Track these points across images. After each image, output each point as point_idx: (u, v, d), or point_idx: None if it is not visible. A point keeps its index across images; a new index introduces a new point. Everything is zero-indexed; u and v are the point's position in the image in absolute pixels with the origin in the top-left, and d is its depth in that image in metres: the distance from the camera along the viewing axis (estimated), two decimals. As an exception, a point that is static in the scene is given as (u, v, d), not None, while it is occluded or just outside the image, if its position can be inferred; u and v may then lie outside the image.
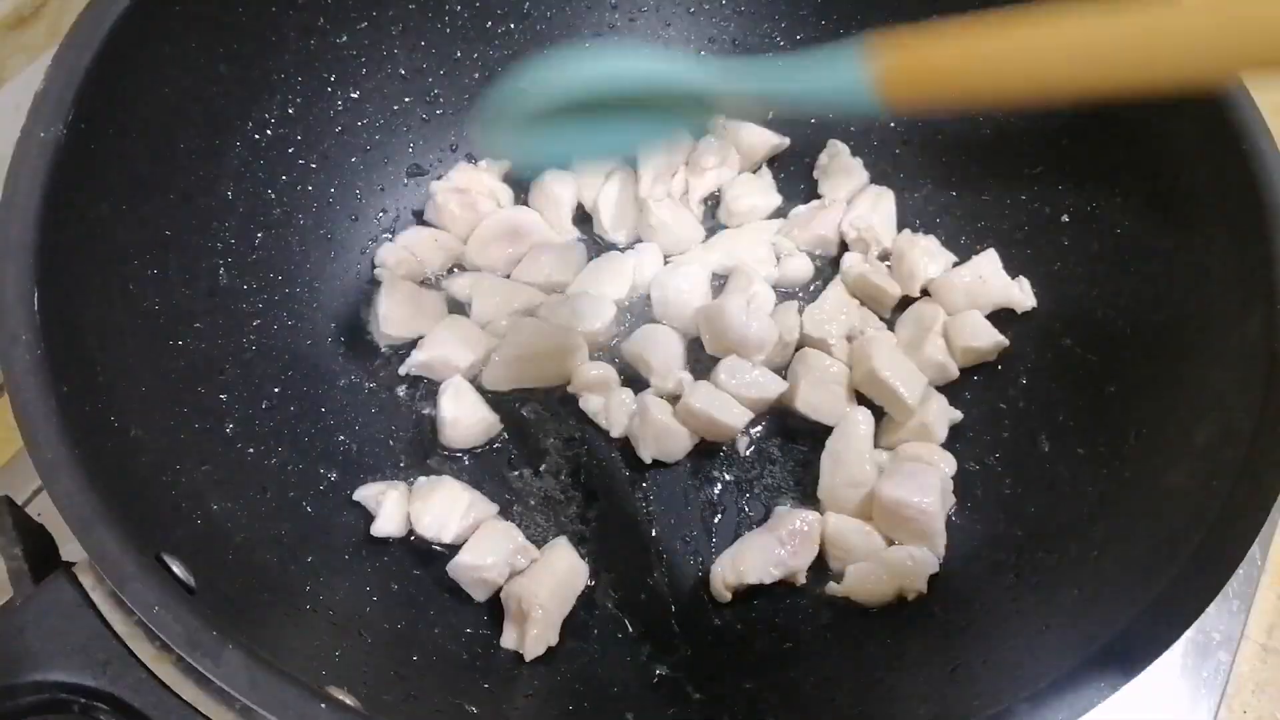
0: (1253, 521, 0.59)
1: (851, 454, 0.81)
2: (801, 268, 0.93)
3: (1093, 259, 0.81)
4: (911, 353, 0.85)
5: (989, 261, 0.87)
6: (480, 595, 0.77)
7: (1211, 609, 0.79)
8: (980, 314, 0.86)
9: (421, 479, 0.82)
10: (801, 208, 0.96)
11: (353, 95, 0.90)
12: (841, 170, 0.96)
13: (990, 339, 0.84)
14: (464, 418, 0.84)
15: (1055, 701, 0.54)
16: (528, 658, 0.73)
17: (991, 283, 0.86)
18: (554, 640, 0.74)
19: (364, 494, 0.80)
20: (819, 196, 0.97)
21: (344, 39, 0.87)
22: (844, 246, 0.94)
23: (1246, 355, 0.65)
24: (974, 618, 0.71)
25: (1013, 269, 0.87)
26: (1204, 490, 0.62)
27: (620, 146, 0.67)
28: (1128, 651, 0.56)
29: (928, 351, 0.84)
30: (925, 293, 0.90)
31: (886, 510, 0.78)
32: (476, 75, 0.96)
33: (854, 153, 0.97)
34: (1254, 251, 0.66)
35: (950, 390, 0.85)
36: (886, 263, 0.92)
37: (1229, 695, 0.79)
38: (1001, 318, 0.86)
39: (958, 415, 0.84)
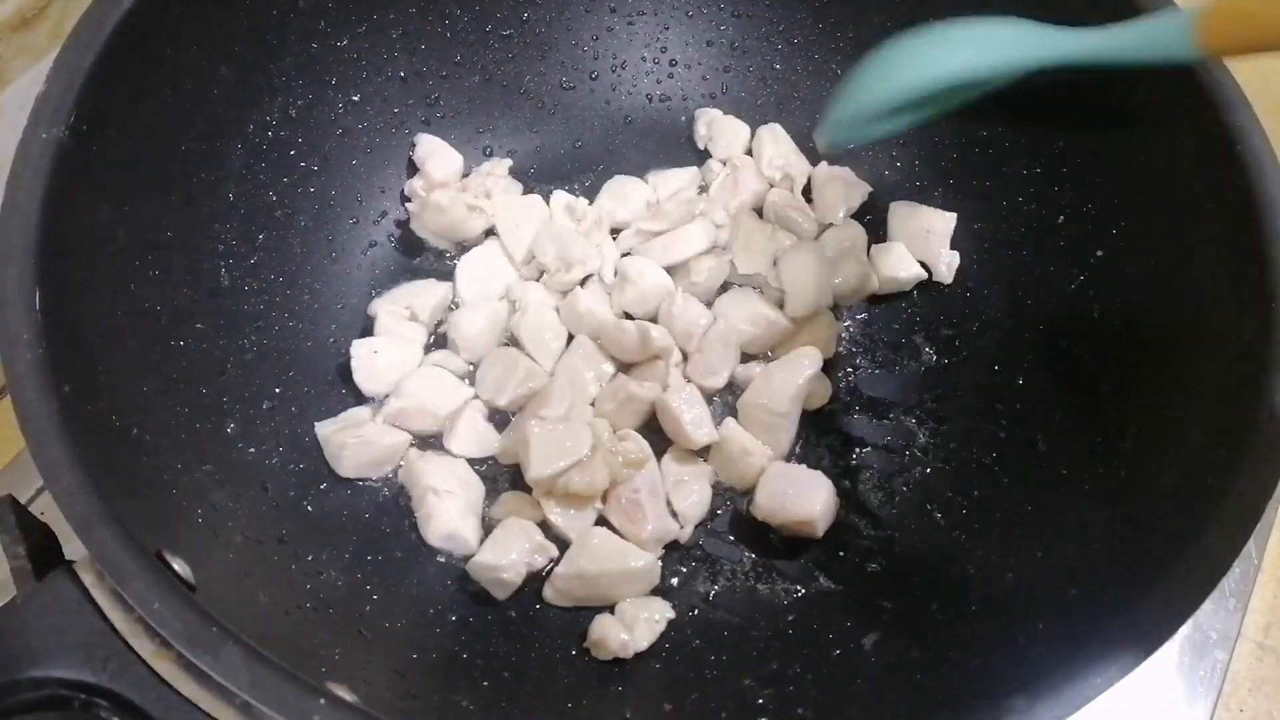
0: (1247, 519, 0.59)
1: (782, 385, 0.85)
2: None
3: (1089, 259, 0.81)
4: (841, 263, 0.90)
5: (944, 221, 0.91)
6: (500, 594, 0.77)
7: (1208, 607, 0.80)
8: (904, 246, 0.91)
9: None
10: (714, 181, 0.97)
11: (353, 98, 0.90)
12: (726, 130, 0.99)
13: (912, 271, 0.90)
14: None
15: (1051, 697, 0.54)
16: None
17: (932, 238, 0.91)
18: None
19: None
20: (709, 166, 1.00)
21: (345, 42, 0.88)
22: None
23: (1242, 355, 0.65)
24: (970, 616, 0.71)
25: (1009, 269, 0.88)
26: (1199, 489, 0.62)
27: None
28: (1123, 648, 0.56)
29: (853, 266, 0.90)
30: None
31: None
32: (475, 79, 0.97)
33: (851, 156, 0.98)
34: (1249, 252, 0.67)
35: (948, 390, 0.86)
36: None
37: (1225, 694, 0.79)
38: (1007, 321, 0.88)
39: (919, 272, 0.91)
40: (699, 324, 0.87)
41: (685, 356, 0.88)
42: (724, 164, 0.98)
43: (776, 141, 0.98)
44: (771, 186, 0.97)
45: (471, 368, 0.89)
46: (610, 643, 0.74)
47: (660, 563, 0.80)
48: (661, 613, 0.76)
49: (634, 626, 0.75)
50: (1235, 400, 0.64)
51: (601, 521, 0.81)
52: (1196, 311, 0.71)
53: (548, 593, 0.78)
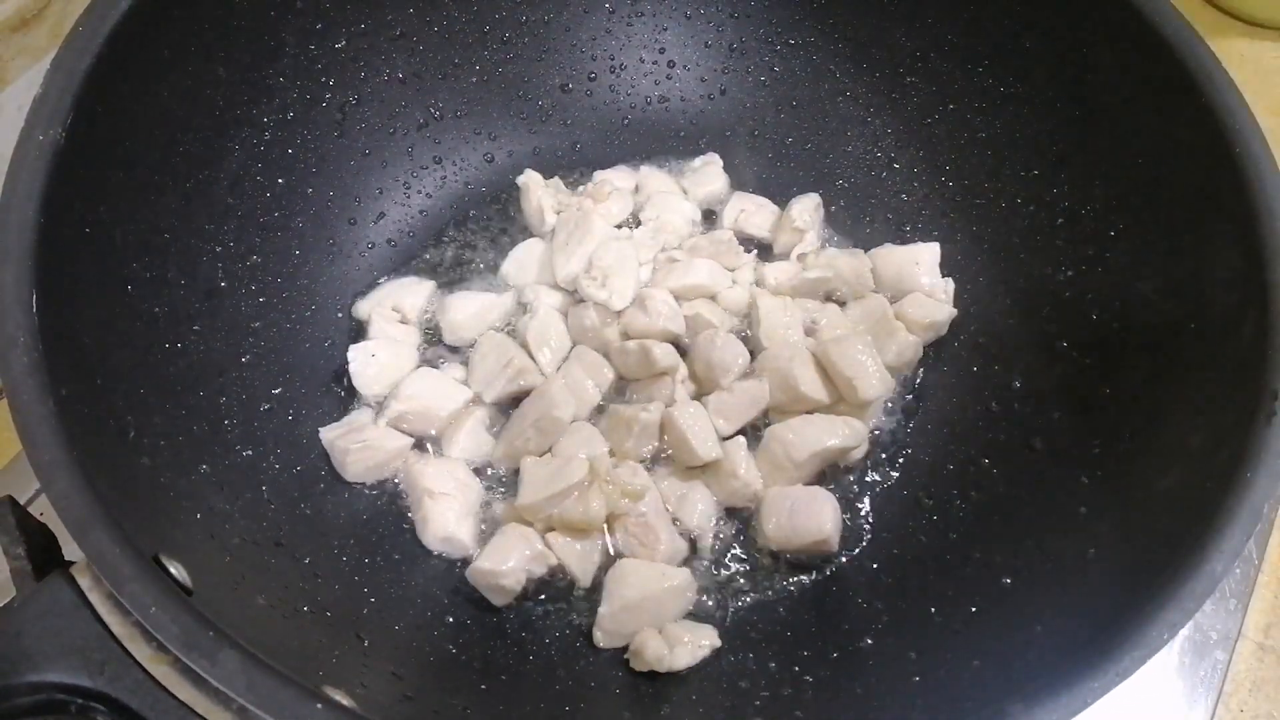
0: (1245, 524, 0.59)
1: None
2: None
3: (1087, 262, 0.81)
4: (884, 341, 0.87)
5: (929, 252, 0.91)
6: (499, 601, 0.77)
7: (1208, 607, 0.81)
8: (921, 294, 0.89)
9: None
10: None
11: (351, 100, 0.90)
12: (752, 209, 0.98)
13: (944, 311, 0.89)
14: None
15: (1049, 701, 0.54)
16: None
17: (922, 271, 0.90)
18: None
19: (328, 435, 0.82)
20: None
21: (342, 44, 0.88)
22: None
23: (1239, 359, 0.65)
24: (968, 618, 0.71)
25: (1008, 273, 0.88)
26: (1197, 492, 0.62)
27: None
28: (1122, 651, 0.56)
29: (900, 337, 0.87)
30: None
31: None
32: (473, 80, 0.97)
33: (853, 153, 0.99)
34: (1247, 256, 0.67)
35: (944, 390, 0.86)
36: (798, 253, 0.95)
37: (1226, 694, 0.80)
38: (1005, 322, 0.87)
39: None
40: (737, 363, 0.85)
41: (692, 374, 0.87)
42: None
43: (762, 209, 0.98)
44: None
45: (462, 362, 0.89)
46: (647, 654, 0.73)
47: (694, 576, 0.79)
48: (709, 640, 0.75)
49: (675, 645, 0.73)
50: (1234, 401, 0.64)
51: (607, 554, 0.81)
52: (1195, 315, 0.71)
53: (598, 636, 0.76)
